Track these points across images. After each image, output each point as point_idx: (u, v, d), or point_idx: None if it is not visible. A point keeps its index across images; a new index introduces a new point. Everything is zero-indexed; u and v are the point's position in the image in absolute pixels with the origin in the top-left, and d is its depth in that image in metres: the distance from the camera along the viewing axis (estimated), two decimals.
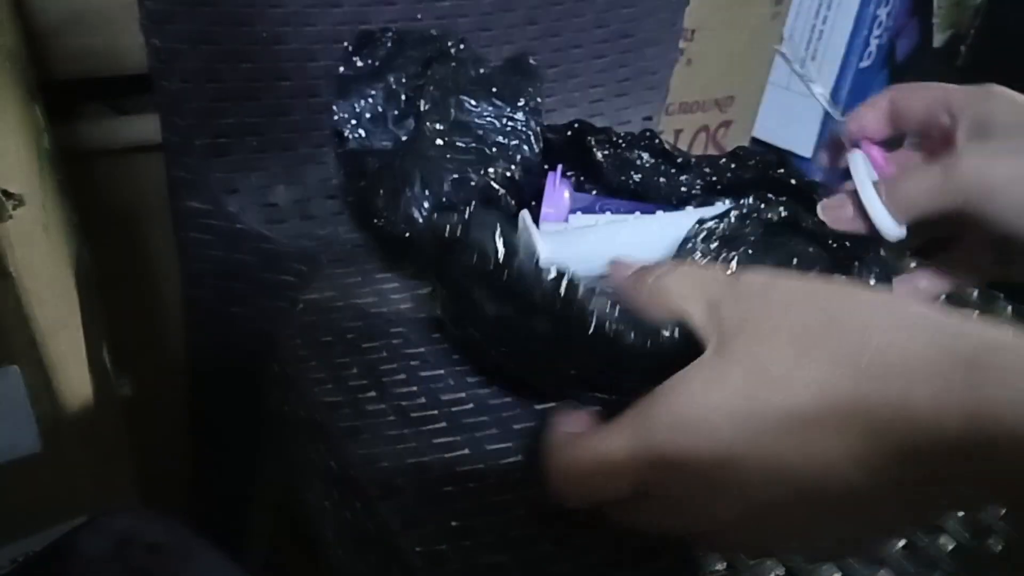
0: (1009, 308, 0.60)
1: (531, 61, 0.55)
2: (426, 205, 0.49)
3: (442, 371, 0.47)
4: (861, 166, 0.46)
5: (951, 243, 0.47)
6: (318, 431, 0.44)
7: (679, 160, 0.53)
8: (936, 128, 0.45)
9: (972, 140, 0.42)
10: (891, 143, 0.48)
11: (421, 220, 0.48)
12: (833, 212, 0.46)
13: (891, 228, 0.43)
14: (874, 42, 1.05)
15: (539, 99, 0.53)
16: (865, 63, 1.04)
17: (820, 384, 0.27)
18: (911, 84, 0.47)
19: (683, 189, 0.53)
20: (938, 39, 1.13)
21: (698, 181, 0.53)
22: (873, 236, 0.44)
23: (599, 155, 0.54)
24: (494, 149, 0.51)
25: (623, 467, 0.30)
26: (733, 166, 0.52)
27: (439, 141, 0.50)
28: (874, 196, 0.43)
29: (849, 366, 0.27)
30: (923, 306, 0.29)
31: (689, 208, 0.52)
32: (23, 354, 0.41)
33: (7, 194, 0.37)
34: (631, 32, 0.67)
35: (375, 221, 0.50)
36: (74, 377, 0.46)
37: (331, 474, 0.43)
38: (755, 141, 1.08)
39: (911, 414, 0.26)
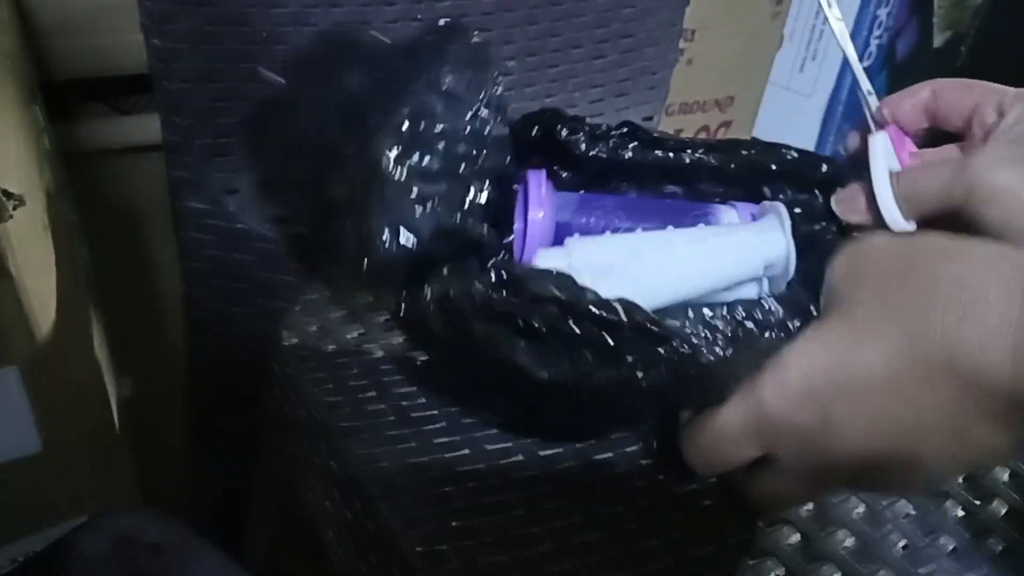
0: None
1: (474, 37, 0.47)
2: (396, 251, 0.41)
3: (442, 371, 0.47)
4: (880, 151, 0.43)
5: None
6: (318, 431, 0.44)
7: (669, 143, 0.49)
8: (981, 127, 0.43)
9: (996, 142, 0.41)
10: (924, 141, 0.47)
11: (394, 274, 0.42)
12: (846, 204, 0.45)
13: (898, 221, 0.41)
14: (874, 42, 1.05)
15: (499, 89, 0.46)
16: (865, 63, 1.04)
17: (908, 337, 0.29)
18: (956, 80, 0.45)
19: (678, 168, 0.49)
20: (938, 39, 1.13)
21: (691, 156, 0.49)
22: (882, 228, 0.42)
23: (581, 148, 0.48)
24: (462, 167, 0.44)
25: (741, 436, 0.33)
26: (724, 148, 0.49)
27: (397, 169, 0.42)
28: (886, 185, 0.42)
29: (933, 316, 0.28)
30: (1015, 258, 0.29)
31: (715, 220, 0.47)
32: (23, 354, 0.41)
33: (7, 194, 0.37)
34: (631, 32, 0.67)
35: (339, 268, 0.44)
36: (74, 377, 0.46)
37: (331, 474, 0.43)
38: None
39: (992, 366, 0.27)
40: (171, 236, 0.61)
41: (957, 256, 0.30)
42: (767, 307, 0.41)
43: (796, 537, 0.40)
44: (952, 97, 0.44)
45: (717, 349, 0.35)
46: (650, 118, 0.74)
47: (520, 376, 0.35)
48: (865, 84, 0.46)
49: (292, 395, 0.48)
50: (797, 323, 0.35)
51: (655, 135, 0.49)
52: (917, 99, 0.45)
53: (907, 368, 0.29)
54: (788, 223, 0.44)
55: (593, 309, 0.34)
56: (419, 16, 0.56)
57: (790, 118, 1.07)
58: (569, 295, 0.35)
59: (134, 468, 0.55)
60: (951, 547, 0.41)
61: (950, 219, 0.40)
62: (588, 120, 0.49)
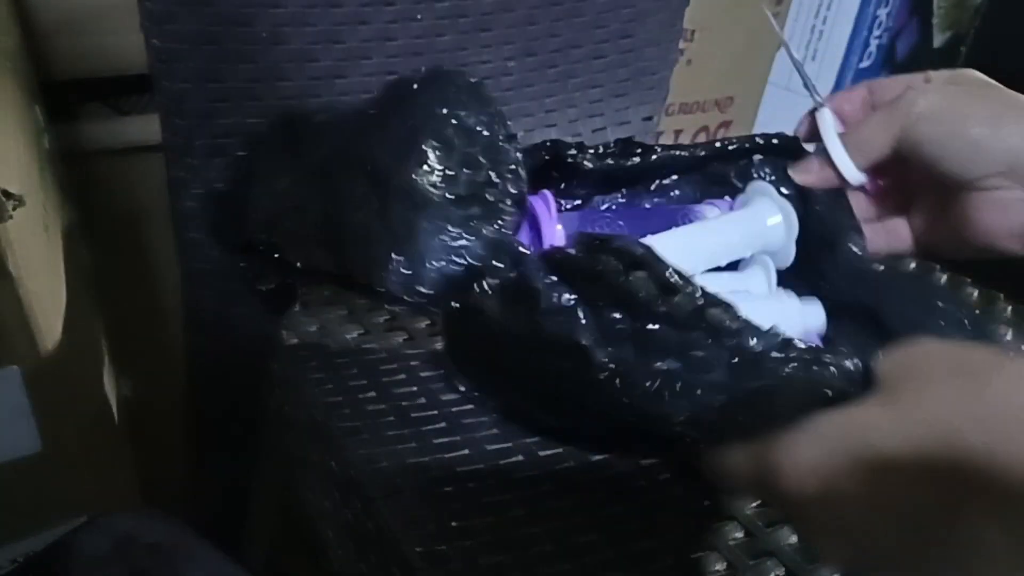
0: (1008, 309, 0.60)
1: (470, 80, 0.48)
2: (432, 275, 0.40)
3: (442, 371, 0.47)
4: (828, 120, 0.49)
5: (910, 208, 0.51)
6: (318, 431, 0.44)
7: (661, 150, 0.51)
8: None
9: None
10: None
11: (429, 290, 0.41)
12: (801, 170, 0.49)
13: (852, 172, 0.47)
14: (874, 42, 1.05)
15: (507, 122, 0.47)
16: (865, 63, 1.04)
17: (947, 433, 0.28)
18: (888, 77, 0.51)
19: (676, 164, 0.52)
20: (938, 39, 1.13)
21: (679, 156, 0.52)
22: (840, 187, 0.48)
23: (587, 165, 0.50)
24: (489, 196, 0.44)
25: (749, 484, 0.32)
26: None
27: (435, 191, 0.42)
28: (837, 143, 0.48)
29: (972, 423, 0.28)
30: None
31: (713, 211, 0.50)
32: (23, 354, 0.41)
33: (7, 194, 0.37)
34: (631, 32, 0.67)
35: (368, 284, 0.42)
36: (74, 377, 0.46)
37: (331, 474, 0.43)
38: None
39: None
40: (171, 236, 0.61)
41: (1005, 369, 0.30)
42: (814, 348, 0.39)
43: (795, 538, 0.40)
44: (885, 87, 0.49)
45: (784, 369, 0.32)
46: (650, 118, 0.74)
47: (577, 369, 0.34)
48: (807, 79, 0.53)
49: (292, 395, 0.48)
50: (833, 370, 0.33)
51: (647, 144, 0.51)
52: (855, 93, 0.51)
53: (939, 459, 0.28)
54: (775, 194, 0.49)
55: (673, 278, 0.32)
56: (419, 16, 0.56)
57: (789, 118, 1.06)
58: (654, 263, 0.33)
59: (134, 468, 0.55)
60: None
61: (901, 174, 0.47)
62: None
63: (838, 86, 1.06)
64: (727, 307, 0.32)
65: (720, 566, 0.39)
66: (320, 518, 0.46)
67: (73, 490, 0.47)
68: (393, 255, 0.40)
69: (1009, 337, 0.57)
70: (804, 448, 0.30)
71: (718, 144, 0.51)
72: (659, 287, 0.33)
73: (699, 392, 0.32)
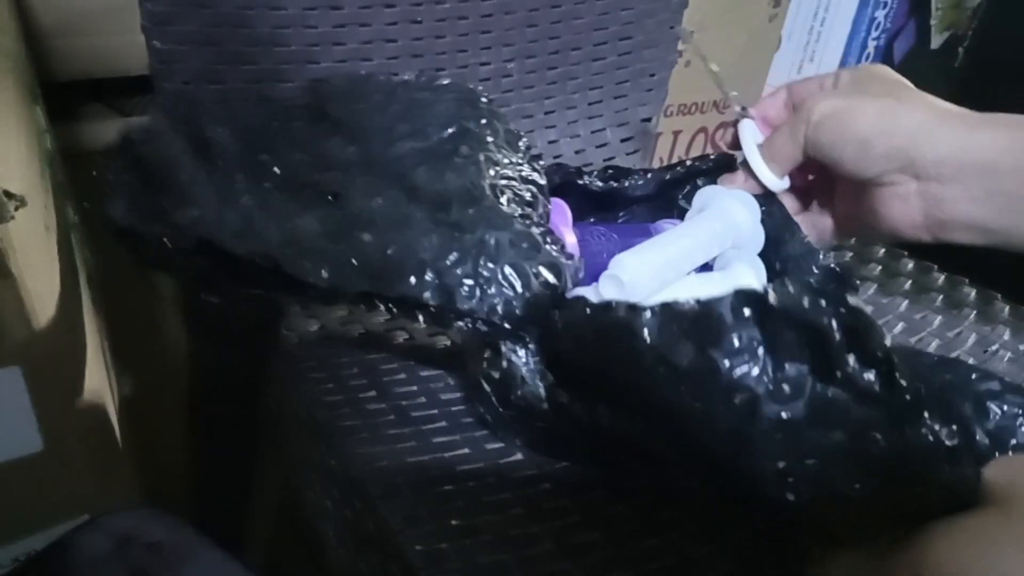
0: (1007, 309, 0.60)
1: (482, 100, 0.50)
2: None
3: (442, 371, 0.47)
4: (747, 131, 0.53)
5: (832, 201, 0.54)
6: (318, 431, 0.44)
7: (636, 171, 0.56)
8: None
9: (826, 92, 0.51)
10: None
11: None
12: (729, 181, 0.53)
13: (772, 180, 0.51)
14: (872, 44, 1.05)
15: (526, 139, 0.50)
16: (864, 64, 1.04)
17: None
18: (807, 77, 0.54)
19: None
20: (936, 40, 1.13)
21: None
22: (764, 193, 0.51)
23: (597, 185, 0.55)
24: (529, 224, 0.43)
25: None
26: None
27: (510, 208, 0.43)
28: (756, 154, 0.51)
29: None
30: None
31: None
32: (24, 354, 0.41)
33: (8, 195, 0.37)
34: (630, 34, 0.67)
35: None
36: (75, 377, 0.46)
37: (331, 473, 0.43)
38: None
39: None
40: None
41: None
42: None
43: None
44: (800, 90, 0.53)
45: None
46: (648, 119, 0.74)
47: (729, 417, 0.31)
48: (728, 90, 0.56)
49: (292, 395, 0.48)
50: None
51: (621, 168, 0.56)
52: (777, 98, 0.54)
53: None
54: (732, 198, 0.52)
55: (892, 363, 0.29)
56: (419, 18, 0.56)
57: None
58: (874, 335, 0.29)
59: (135, 467, 0.55)
60: None
61: (821, 170, 0.51)
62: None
63: None
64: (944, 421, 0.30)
65: (723, 565, 0.39)
66: (320, 517, 0.46)
67: (74, 489, 0.47)
68: (462, 276, 0.39)
69: (1007, 337, 0.57)
70: (944, 559, 0.29)
71: (667, 175, 0.56)
72: (867, 359, 0.30)
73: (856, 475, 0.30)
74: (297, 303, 0.51)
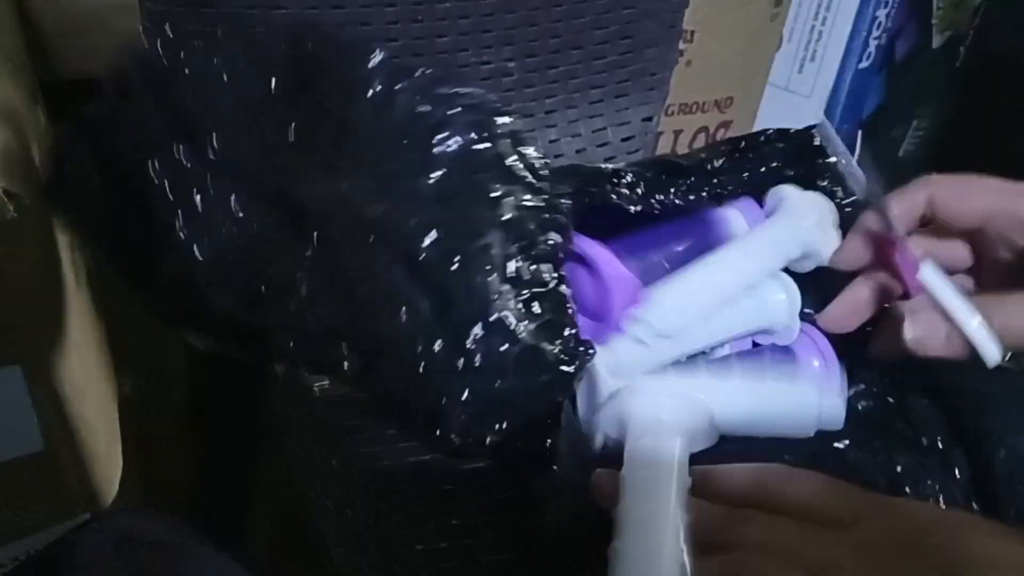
0: None
1: (498, 120, 0.43)
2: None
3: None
4: (942, 278, 0.40)
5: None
6: (318, 430, 0.44)
7: (686, 165, 0.48)
8: (999, 241, 0.40)
9: None
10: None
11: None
12: (924, 335, 0.40)
13: (994, 354, 0.38)
14: (873, 43, 1.05)
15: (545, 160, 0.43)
16: (864, 64, 1.04)
17: None
18: (954, 178, 0.42)
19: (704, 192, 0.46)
20: (937, 40, 1.13)
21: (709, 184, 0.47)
22: (967, 360, 0.39)
23: (617, 197, 0.45)
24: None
25: None
26: (738, 156, 0.49)
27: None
28: (975, 318, 0.38)
29: None
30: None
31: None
32: (24, 354, 0.41)
33: (8, 194, 0.37)
34: (631, 33, 0.67)
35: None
36: (75, 376, 0.46)
37: (332, 473, 0.43)
38: None
39: None
40: None
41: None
42: None
43: None
44: (953, 201, 0.41)
45: None
46: (649, 119, 0.74)
47: None
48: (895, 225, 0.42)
49: (292, 394, 0.48)
50: None
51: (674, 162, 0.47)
52: (910, 204, 0.42)
53: None
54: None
55: None
56: (420, 18, 0.56)
57: (789, 119, 1.06)
58: None
59: (135, 467, 0.55)
60: None
61: None
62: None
63: (837, 87, 1.06)
64: None
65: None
66: (320, 517, 0.46)
67: (74, 489, 0.47)
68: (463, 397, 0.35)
69: None
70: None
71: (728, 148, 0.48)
72: None
73: None
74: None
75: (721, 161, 0.47)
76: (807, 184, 0.48)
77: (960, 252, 0.43)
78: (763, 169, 0.48)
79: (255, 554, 0.66)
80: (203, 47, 0.44)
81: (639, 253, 0.45)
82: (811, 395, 0.40)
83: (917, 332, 0.40)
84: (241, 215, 0.39)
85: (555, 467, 0.36)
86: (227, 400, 0.67)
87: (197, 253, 0.38)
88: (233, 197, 0.39)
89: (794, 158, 0.48)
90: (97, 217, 0.40)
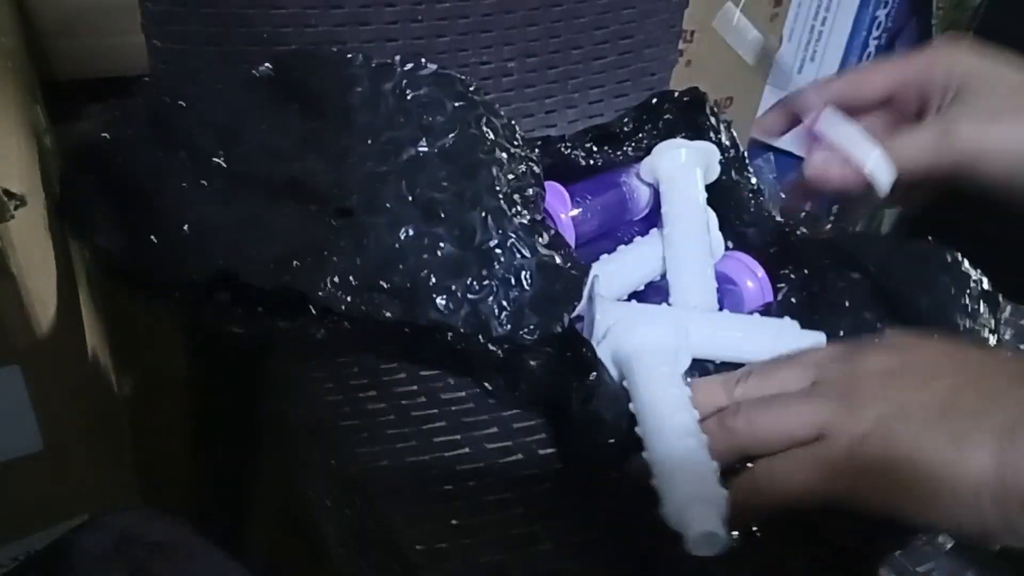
0: (1008, 309, 0.60)
1: (471, 90, 0.51)
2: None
3: (442, 371, 0.47)
4: (841, 118, 0.45)
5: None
6: (318, 430, 0.44)
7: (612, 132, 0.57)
8: (903, 102, 0.46)
9: (957, 104, 0.43)
10: None
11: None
12: (820, 170, 0.45)
13: (886, 177, 0.43)
14: (873, 43, 1.05)
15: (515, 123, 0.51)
16: (864, 64, 1.04)
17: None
18: (860, 67, 0.49)
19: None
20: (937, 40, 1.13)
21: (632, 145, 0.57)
22: (859, 193, 0.44)
23: (586, 162, 0.55)
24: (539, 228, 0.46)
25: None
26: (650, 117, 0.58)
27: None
28: (868, 143, 0.43)
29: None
30: None
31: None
32: (24, 354, 0.41)
33: (9, 194, 0.37)
34: (631, 33, 0.67)
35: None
36: (75, 376, 0.46)
37: (331, 473, 0.43)
38: (754, 141, 1.08)
39: None
40: None
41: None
42: None
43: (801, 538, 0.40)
44: (862, 81, 0.46)
45: None
46: None
47: None
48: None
49: (292, 395, 0.48)
50: None
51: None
52: (830, 87, 0.47)
53: None
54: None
55: None
56: (419, 18, 0.56)
57: None
58: None
59: (134, 467, 0.55)
60: (950, 545, 0.41)
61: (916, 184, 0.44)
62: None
63: None
64: None
65: (722, 563, 0.39)
66: (320, 517, 0.46)
67: (74, 489, 0.47)
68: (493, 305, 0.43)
69: (1008, 337, 0.57)
70: None
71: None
72: None
73: None
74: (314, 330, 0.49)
75: (632, 126, 0.58)
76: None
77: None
78: (661, 126, 0.58)
79: (255, 554, 0.66)
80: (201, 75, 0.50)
81: (579, 196, 0.54)
82: (795, 327, 0.47)
83: (816, 163, 0.45)
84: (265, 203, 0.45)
85: (594, 373, 0.40)
86: (227, 400, 0.67)
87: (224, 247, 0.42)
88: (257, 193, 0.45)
89: (682, 119, 0.57)
90: (112, 234, 0.44)
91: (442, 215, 0.44)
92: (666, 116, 0.57)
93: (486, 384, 0.45)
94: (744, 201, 0.55)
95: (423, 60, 0.49)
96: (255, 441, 0.62)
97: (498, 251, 0.44)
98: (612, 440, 0.39)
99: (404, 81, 0.49)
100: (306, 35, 0.53)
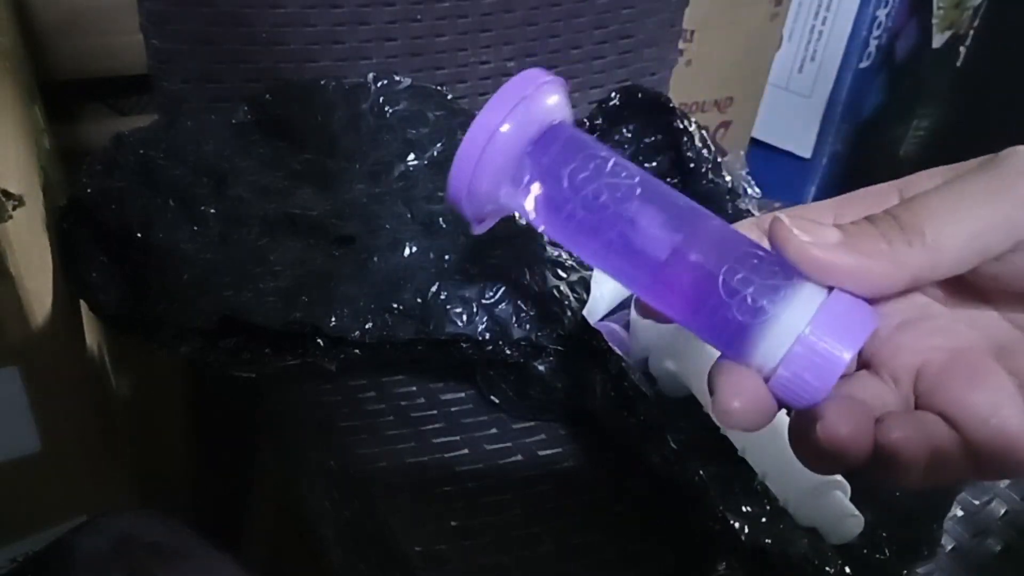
0: None
1: (448, 98, 0.53)
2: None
3: (442, 371, 0.47)
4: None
5: None
6: (318, 431, 0.44)
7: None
8: None
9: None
10: None
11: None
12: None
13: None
14: (873, 43, 1.05)
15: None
16: (864, 64, 1.04)
17: None
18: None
19: None
20: (937, 40, 1.13)
21: None
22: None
23: None
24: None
25: None
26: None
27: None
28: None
29: None
30: None
31: None
32: (23, 354, 0.41)
33: (7, 194, 0.37)
34: (630, 33, 0.67)
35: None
36: (74, 377, 0.46)
37: (331, 473, 0.43)
38: (754, 141, 1.08)
39: None
40: None
41: None
42: None
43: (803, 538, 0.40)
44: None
45: None
46: None
47: None
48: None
49: (292, 395, 0.48)
50: None
51: None
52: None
53: None
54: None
55: None
56: (419, 17, 0.56)
57: (789, 118, 1.06)
58: None
59: (134, 468, 0.55)
60: (950, 547, 0.41)
61: None
62: None
63: (837, 87, 1.06)
64: None
65: (721, 565, 0.39)
66: (320, 517, 0.46)
67: (72, 490, 0.47)
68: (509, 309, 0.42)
69: None
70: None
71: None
72: None
73: None
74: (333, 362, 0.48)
75: (600, 121, 0.60)
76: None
77: None
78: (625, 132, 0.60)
79: (255, 554, 0.66)
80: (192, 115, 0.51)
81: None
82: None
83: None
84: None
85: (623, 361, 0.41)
86: (226, 401, 0.67)
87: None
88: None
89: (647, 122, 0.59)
90: (112, 290, 0.44)
91: (443, 226, 0.44)
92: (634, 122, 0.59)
93: (493, 398, 0.45)
94: (722, 204, 0.55)
95: (395, 76, 0.50)
96: (255, 441, 0.61)
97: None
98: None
99: (380, 98, 0.49)
100: (305, 34, 0.53)
